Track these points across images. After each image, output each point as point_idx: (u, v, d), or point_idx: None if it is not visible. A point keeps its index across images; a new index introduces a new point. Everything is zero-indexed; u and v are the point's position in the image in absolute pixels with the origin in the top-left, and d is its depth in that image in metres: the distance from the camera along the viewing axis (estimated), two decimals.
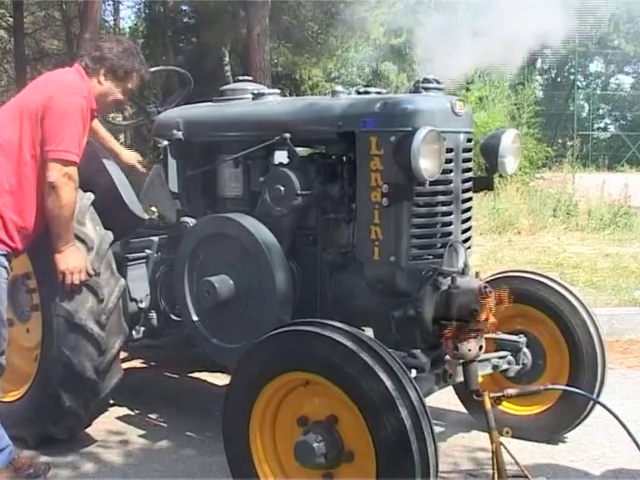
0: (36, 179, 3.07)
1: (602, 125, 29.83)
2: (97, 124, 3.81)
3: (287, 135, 3.18)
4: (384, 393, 2.31)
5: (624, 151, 21.76)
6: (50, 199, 3.03)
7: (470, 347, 2.77)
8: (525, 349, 3.36)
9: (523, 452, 3.32)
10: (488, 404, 2.65)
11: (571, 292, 3.49)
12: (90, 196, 3.34)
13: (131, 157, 3.90)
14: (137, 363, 4.72)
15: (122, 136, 17.18)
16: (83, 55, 3.34)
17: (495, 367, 3.22)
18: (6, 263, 3.06)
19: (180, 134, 3.58)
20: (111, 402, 3.69)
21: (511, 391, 2.80)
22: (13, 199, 3.05)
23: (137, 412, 3.99)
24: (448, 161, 2.97)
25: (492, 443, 2.59)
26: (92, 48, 3.36)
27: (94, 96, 3.25)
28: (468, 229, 3.23)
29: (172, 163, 3.59)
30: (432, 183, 2.91)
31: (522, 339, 3.34)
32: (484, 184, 3.41)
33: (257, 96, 3.58)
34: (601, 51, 27.26)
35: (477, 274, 2.96)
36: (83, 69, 3.26)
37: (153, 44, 20.09)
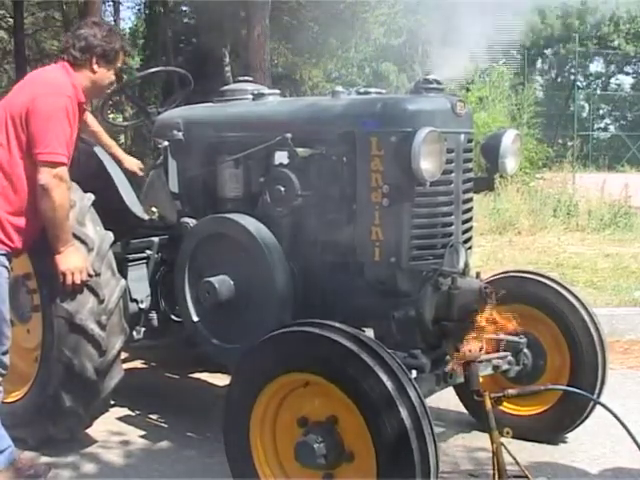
0: (28, 180, 3.06)
1: (602, 125, 29.92)
2: (100, 129, 3.81)
3: (288, 135, 3.18)
4: (384, 393, 2.31)
5: (624, 151, 21.82)
6: (43, 202, 3.02)
7: (470, 348, 2.77)
8: (525, 349, 3.35)
9: (523, 452, 3.31)
10: (489, 404, 2.65)
11: (571, 292, 3.49)
12: (90, 197, 3.34)
13: (133, 164, 3.90)
14: (138, 364, 4.72)
15: (122, 137, 17.20)
16: (67, 48, 3.26)
17: (495, 367, 3.21)
18: (7, 263, 3.06)
19: (180, 135, 3.59)
20: (112, 402, 3.69)
21: (511, 391, 2.80)
22: (8, 200, 3.05)
23: (137, 412, 3.99)
24: (449, 161, 2.97)
25: (492, 443, 2.59)
26: (74, 39, 3.26)
27: (83, 88, 3.22)
28: (469, 229, 3.23)
29: (172, 164, 3.60)
30: (433, 184, 2.90)
31: (522, 339, 3.33)
32: (484, 184, 3.41)
33: (257, 96, 3.59)
34: (601, 51, 27.32)
35: (477, 274, 2.96)
36: (71, 63, 3.22)
37: (153, 44, 20.12)
